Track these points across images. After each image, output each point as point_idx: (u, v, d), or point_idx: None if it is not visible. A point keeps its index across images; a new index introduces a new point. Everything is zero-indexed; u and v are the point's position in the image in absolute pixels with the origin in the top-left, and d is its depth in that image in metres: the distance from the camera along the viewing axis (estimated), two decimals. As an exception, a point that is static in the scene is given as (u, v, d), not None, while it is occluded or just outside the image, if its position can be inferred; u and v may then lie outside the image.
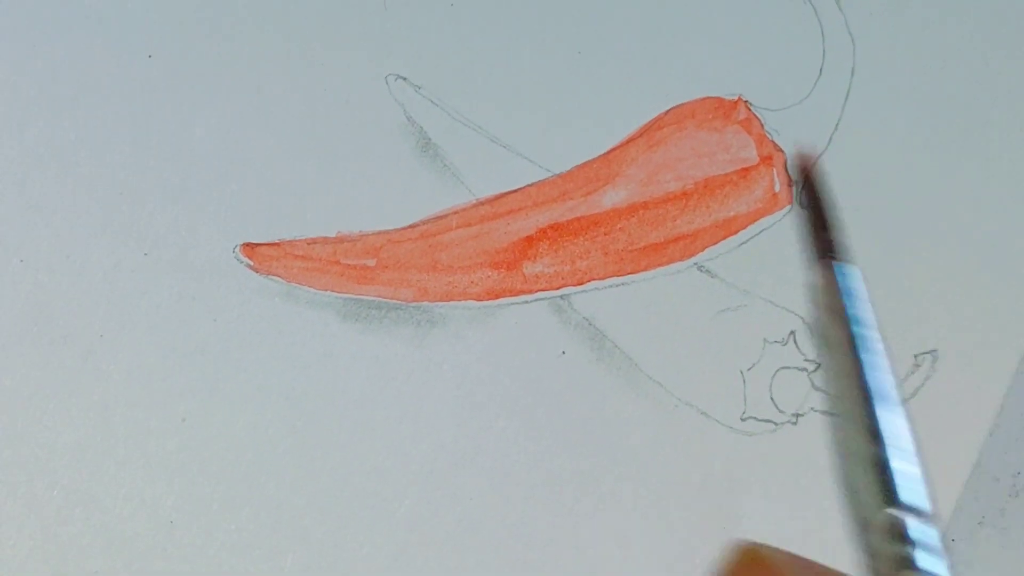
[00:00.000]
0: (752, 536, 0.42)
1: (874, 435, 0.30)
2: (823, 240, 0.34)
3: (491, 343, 0.43)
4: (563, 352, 0.43)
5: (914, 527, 0.28)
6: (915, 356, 0.45)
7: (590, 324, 0.44)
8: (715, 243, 0.45)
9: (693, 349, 0.44)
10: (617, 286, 0.44)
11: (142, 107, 0.43)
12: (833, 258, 0.32)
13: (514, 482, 0.42)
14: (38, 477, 0.39)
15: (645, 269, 0.45)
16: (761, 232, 0.46)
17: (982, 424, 0.45)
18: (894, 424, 0.31)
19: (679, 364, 0.44)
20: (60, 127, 0.43)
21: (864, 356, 0.31)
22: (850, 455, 0.30)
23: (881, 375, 0.31)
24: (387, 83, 0.45)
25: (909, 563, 0.27)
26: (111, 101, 0.43)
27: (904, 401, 0.33)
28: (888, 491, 0.29)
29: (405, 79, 0.45)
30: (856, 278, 0.32)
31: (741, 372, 0.44)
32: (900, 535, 0.28)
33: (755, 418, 0.44)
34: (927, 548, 0.29)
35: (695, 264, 0.45)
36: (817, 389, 0.44)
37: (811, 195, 0.37)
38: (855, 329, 0.32)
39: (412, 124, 0.45)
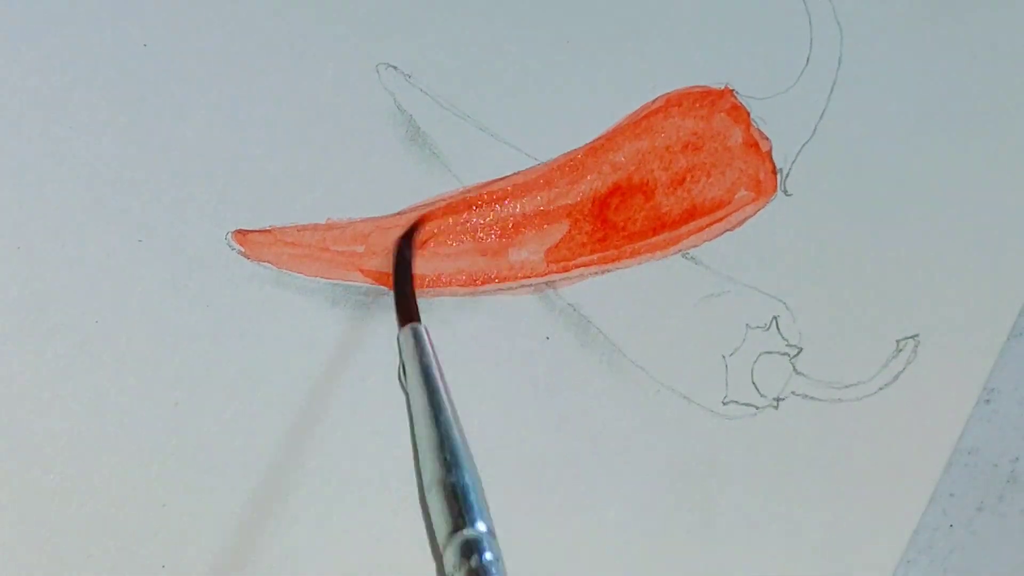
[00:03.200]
0: (732, 519, 0.43)
1: (447, 467, 0.33)
2: (406, 306, 0.39)
3: (477, 328, 0.44)
4: (547, 337, 0.44)
5: (484, 546, 0.32)
6: (897, 341, 0.46)
7: (574, 310, 0.44)
8: (700, 231, 0.46)
9: (676, 334, 0.45)
10: (601, 273, 0.45)
11: (136, 96, 0.44)
12: (415, 321, 0.38)
13: (498, 466, 0.42)
14: (33, 462, 0.40)
15: (630, 257, 0.45)
16: (746, 220, 0.46)
17: (963, 409, 0.46)
18: (462, 456, 0.34)
19: (662, 349, 0.44)
20: (55, 116, 0.43)
21: (439, 399, 0.36)
22: (428, 486, 0.33)
23: (452, 417, 0.35)
24: (377, 72, 0.45)
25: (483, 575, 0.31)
26: (106, 90, 0.44)
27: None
28: (460, 515, 0.32)
29: (395, 68, 0.46)
30: (427, 337, 0.39)
31: (723, 357, 0.45)
32: (471, 553, 0.32)
33: (736, 402, 0.44)
34: (496, 563, 0.32)
35: (679, 251, 0.46)
36: (799, 374, 0.45)
37: (397, 264, 0.40)
38: (431, 376, 0.36)
39: (402, 112, 0.45)
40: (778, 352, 0.45)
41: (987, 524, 0.45)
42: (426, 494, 0.34)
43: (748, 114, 0.47)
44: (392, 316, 0.43)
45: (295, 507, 0.41)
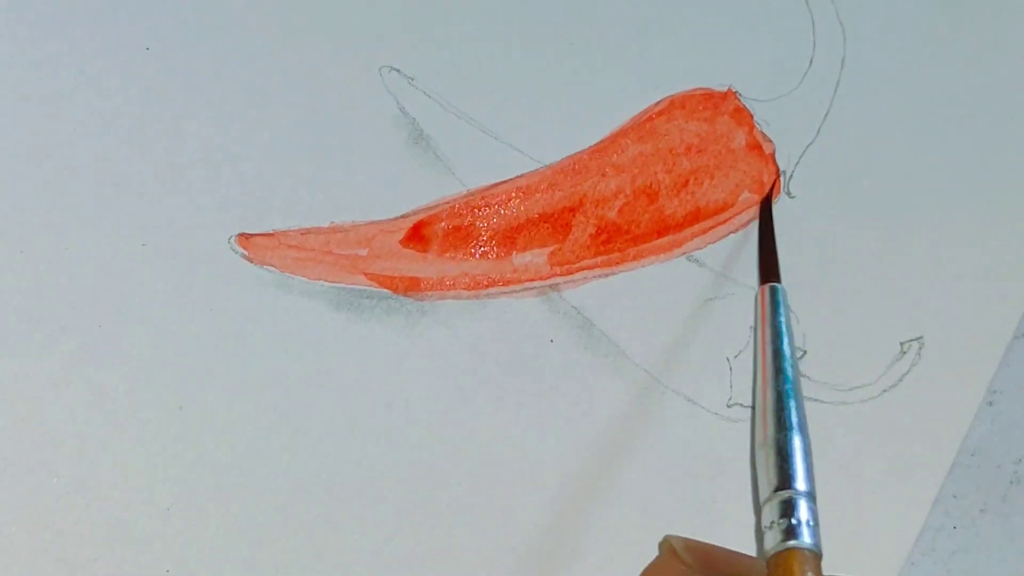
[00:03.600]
0: (735, 520, 0.43)
1: (780, 427, 0.34)
2: (768, 264, 0.39)
3: (480, 331, 0.43)
4: (551, 340, 0.44)
5: (802, 507, 0.32)
6: (901, 343, 0.46)
7: (578, 313, 0.44)
8: (704, 234, 0.46)
9: (680, 337, 0.45)
10: (605, 275, 0.45)
11: (139, 99, 0.44)
12: (776, 280, 0.38)
13: (502, 469, 0.42)
14: (37, 466, 0.40)
15: (634, 259, 0.45)
16: (750, 222, 0.46)
17: (968, 411, 0.46)
18: (798, 419, 0.35)
19: (666, 352, 0.44)
20: (58, 119, 0.43)
21: (784, 363, 0.36)
22: (758, 444, 0.34)
23: (794, 380, 0.36)
24: (380, 75, 0.45)
25: (794, 535, 0.33)
26: (109, 93, 0.44)
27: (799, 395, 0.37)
28: (784, 475, 0.33)
29: (398, 71, 0.45)
30: (783, 299, 0.40)
31: (727, 359, 0.45)
32: (790, 512, 0.32)
33: (741, 405, 0.44)
34: (810, 525, 0.32)
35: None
36: (802, 376, 0.45)
37: (763, 223, 0.41)
38: (781, 339, 0.37)
39: (405, 115, 0.45)
40: (782, 354, 0.45)
41: (990, 525, 0.45)
42: (757, 451, 0.36)
43: (751, 116, 0.47)
44: (395, 320, 0.43)
45: (299, 511, 0.41)
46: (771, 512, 0.34)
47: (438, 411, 0.43)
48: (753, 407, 0.36)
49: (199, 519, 0.40)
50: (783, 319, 0.39)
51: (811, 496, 0.35)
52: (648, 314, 0.45)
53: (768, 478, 0.35)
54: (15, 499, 0.40)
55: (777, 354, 0.38)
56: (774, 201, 0.46)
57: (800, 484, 0.35)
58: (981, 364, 0.46)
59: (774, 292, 0.41)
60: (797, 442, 0.36)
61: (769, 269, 0.42)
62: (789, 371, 0.37)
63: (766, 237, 0.44)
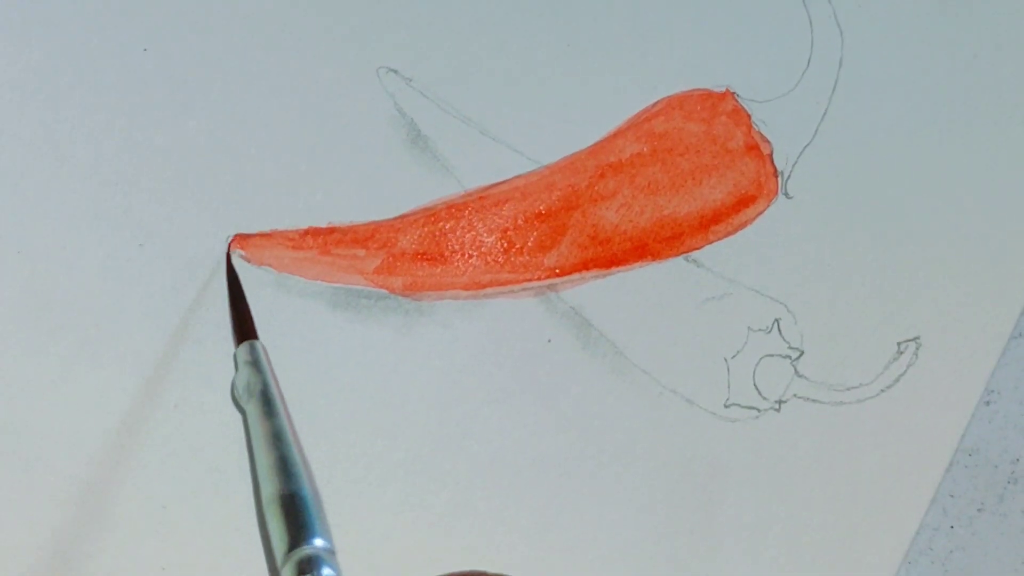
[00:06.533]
0: (734, 521, 0.43)
1: (287, 483, 0.32)
2: (241, 323, 0.38)
3: (478, 331, 0.43)
4: (549, 340, 0.44)
5: (323, 565, 0.30)
6: (898, 343, 0.46)
7: (576, 313, 0.44)
8: (702, 234, 0.46)
9: (678, 337, 0.45)
10: (603, 275, 0.45)
11: (137, 100, 0.44)
12: (252, 337, 0.37)
13: (500, 469, 0.42)
14: (34, 464, 0.40)
15: (632, 260, 0.45)
16: (747, 223, 0.46)
17: (965, 411, 0.46)
18: (302, 472, 0.33)
19: (664, 352, 0.44)
20: (56, 120, 0.43)
21: (276, 416, 0.35)
22: (266, 503, 0.32)
23: (288, 432, 0.34)
24: (378, 75, 0.45)
25: None
26: (106, 94, 0.44)
27: None
28: (299, 532, 0.31)
29: (396, 71, 0.45)
30: (264, 354, 0.39)
31: (725, 360, 0.45)
32: (309, 570, 0.30)
33: (739, 405, 0.44)
34: None
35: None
36: (800, 376, 0.45)
37: (230, 281, 0.40)
38: (270, 393, 0.36)
39: (402, 116, 0.45)
40: (780, 355, 0.45)
41: (988, 524, 0.45)
42: (264, 511, 0.33)
43: (749, 117, 0.47)
44: (392, 320, 0.43)
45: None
46: (291, 572, 0.31)
47: (436, 411, 0.43)
48: (253, 467, 0.35)
49: (195, 518, 0.40)
50: (268, 375, 0.38)
51: (332, 552, 0.32)
52: (646, 314, 0.45)
53: (282, 536, 0.32)
54: (11, 497, 0.40)
55: (271, 409, 0.36)
56: (778, 197, 0.46)
57: (318, 539, 0.32)
58: (978, 364, 0.46)
59: (253, 349, 0.40)
60: (308, 495, 0.33)
61: (244, 326, 0.41)
62: (285, 425, 0.36)
63: (236, 294, 0.42)
